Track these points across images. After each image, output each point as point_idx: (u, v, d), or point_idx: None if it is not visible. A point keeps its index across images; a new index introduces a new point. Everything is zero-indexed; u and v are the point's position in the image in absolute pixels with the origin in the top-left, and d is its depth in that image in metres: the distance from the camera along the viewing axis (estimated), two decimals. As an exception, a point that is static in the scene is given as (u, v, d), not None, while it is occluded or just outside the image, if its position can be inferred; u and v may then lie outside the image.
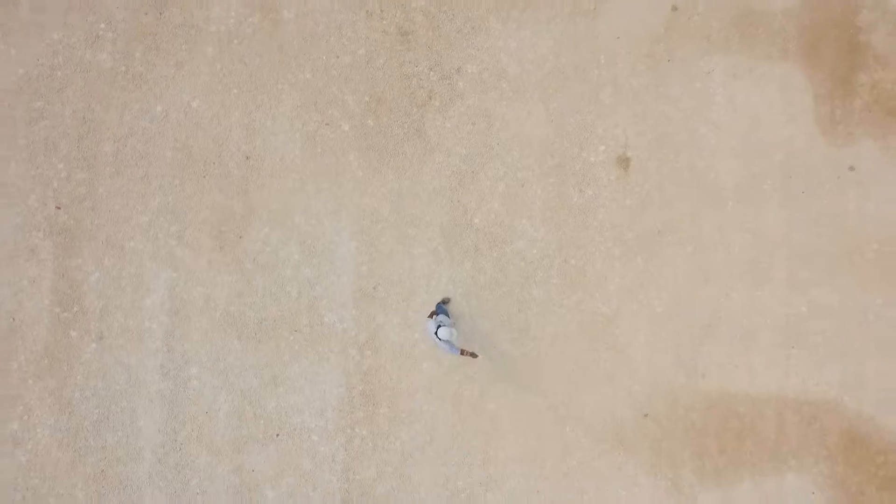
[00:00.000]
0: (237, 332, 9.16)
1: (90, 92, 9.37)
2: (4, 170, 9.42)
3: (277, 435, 9.11)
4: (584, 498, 8.82)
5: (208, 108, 9.26)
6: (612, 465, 8.80)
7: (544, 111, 8.84)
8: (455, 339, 7.68)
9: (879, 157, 8.64)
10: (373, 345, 8.98)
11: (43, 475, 9.35)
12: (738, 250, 8.76)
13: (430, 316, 8.37)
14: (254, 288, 9.16)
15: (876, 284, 8.59)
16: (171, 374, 9.27)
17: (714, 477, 8.76)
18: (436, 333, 7.74)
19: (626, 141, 8.81)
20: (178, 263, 9.28)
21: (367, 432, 8.98)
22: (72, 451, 9.36)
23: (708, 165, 8.79)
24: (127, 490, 9.32)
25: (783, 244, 8.71)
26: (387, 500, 8.96)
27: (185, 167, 9.27)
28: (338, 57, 9.09)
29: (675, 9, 8.85)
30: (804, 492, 8.65)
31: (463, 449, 8.92)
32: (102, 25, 9.38)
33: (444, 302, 8.67)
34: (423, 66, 8.97)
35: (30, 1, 9.33)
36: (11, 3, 9.29)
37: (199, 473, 9.24)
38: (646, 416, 8.79)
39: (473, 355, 8.11)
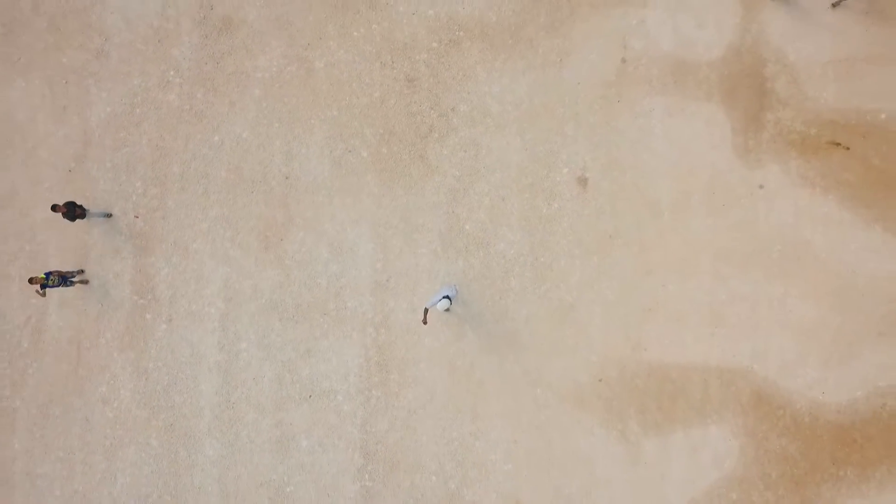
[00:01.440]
0: (278, 314, 11.55)
1: (162, 125, 11.79)
2: (95, 186, 11.85)
3: (310, 396, 11.50)
4: (552, 445, 11.17)
5: (255, 138, 11.65)
6: (573, 419, 11.15)
7: (520, 141, 11.20)
8: (441, 304, 9.58)
9: (782, 178, 10.97)
10: (386, 325, 11.36)
11: (125, 428, 11.78)
12: (673, 250, 11.08)
13: (425, 319, 10.38)
14: (291, 280, 11.55)
15: (779, 278, 10.91)
16: (226, 348, 11.67)
17: (654, 428, 11.08)
18: (436, 305, 9.84)
19: (584, 164, 11.16)
20: (231, 261, 11.68)
21: (381, 393, 11.36)
22: (147, 409, 11.79)
23: (649, 184, 11.11)
24: (190, 440, 11.73)
25: (708, 246, 11.03)
26: (397, 448, 11.34)
27: (237, 185, 11.67)
28: (358, 98, 11.48)
29: (623, 61, 11.20)
30: (723, 439, 10.97)
31: (456, 407, 11.28)
32: (172, 73, 11.80)
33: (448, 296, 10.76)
34: (425, 106, 11.35)
35: (117, 53, 11.76)
36: (104, 56, 11.73)
37: (248, 427, 11.64)
38: (600, 380, 11.13)
39: (424, 322, 10.16)
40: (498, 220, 11.20)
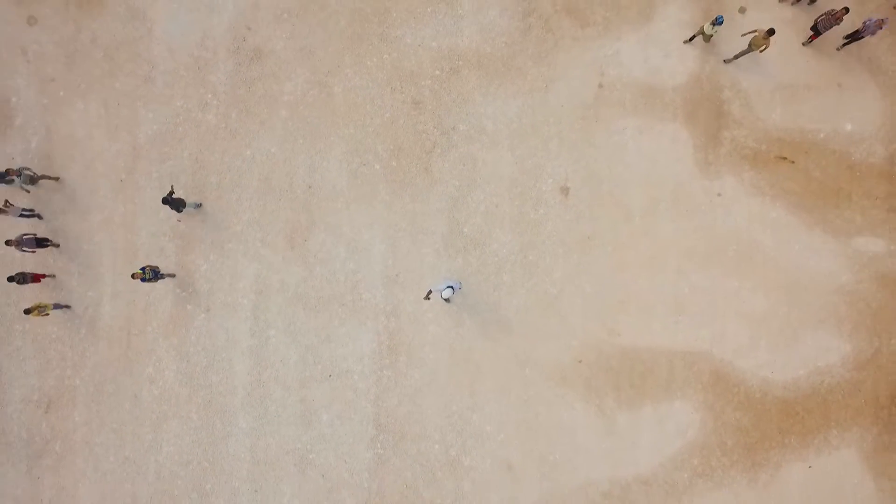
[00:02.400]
0: (302, 305, 13.30)
1: (201, 141, 13.54)
2: (142, 195, 13.59)
3: (330, 376, 13.24)
4: (538, 418, 12.90)
5: (282, 152, 13.39)
6: (557, 395, 12.88)
7: (511, 156, 12.93)
8: (445, 293, 11.08)
9: (737, 187, 12.70)
10: (395, 314, 13.10)
11: (169, 403, 13.52)
12: (642, 250, 12.80)
13: (427, 296, 12.11)
14: (314, 275, 13.29)
15: (734, 273, 12.63)
16: (256, 334, 13.41)
17: (626, 403, 12.80)
18: (440, 292, 11.45)
19: (566, 176, 12.89)
20: (261, 259, 13.41)
21: (391, 373, 13.10)
22: (188, 387, 13.53)
23: (622, 192, 12.85)
24: (225, 414, 13.46)
25: (673, 246, 12.74)
26: (405, 420, 13.07)
27: (266, 193, 13.41)
28: (371, 118, 13.22)
29: (601, 86, 12.93)
30: (686, 412, 12.69)
31: (456, 385, 13.01)
32: (209, 96, 13.55)
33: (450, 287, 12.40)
34: (429, 125, 13.09)
35: (162, 79, 13.52)
36: (151, 81, 13.48)
37: (276, 402, 13.37)
38: (580, 362, 12.86)
39: (426, 298, 11.83)
40: (492, 223, 12.95)
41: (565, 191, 12.86)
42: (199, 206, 13.16)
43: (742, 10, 12.64)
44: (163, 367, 13.53)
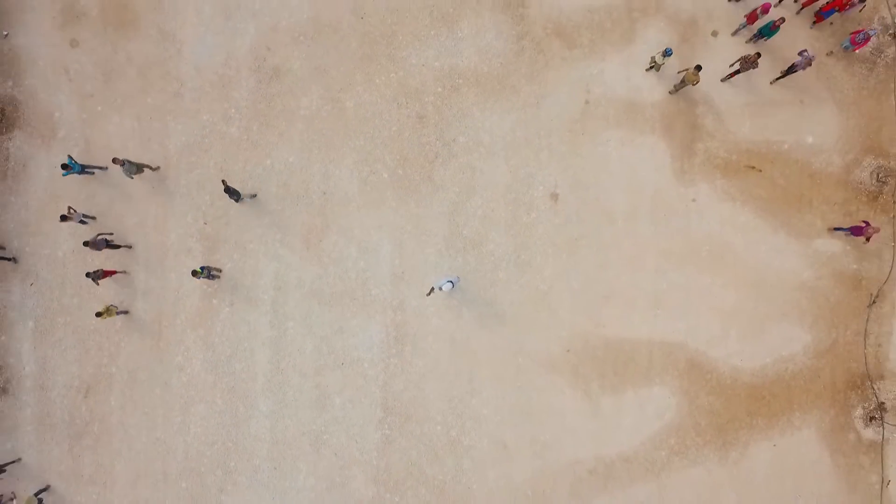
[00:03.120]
0: (318, 300, 14.68)
1: (225, 151, 14.93)
2: (171, 200, 14.99)
3: (342, 364, 14.63)
4: (531, 402, 14.26)
5: (299, 161, 14.77)
6: (547, 381, 14.24)
7: (506, 165, 14.31)
8: (445, 287, 12.74)
9: (711, 194, 14.05)
10: (401, 308, 14.48)
11: (196, 389, 14.92)
12: (624, 250, 14.15)
13: (430, 293, 13.55)
14: (328, 273, 14.68)
15: (707, 271, 13.98)
16: (276, 326, 14.80)
17: (610, 388, 14.16)
18: (441, 287, 12.96)
19: (555, 183, 14.26)
20: (280, 258, 14.80)
21: (398, 361, 14.49)
22: (213, 374, 14.92)
23: (606, 198, 14.20)
24: (247, 399, 14.85)
25: (652, 246, 14.09)
26: (410, 404, 14.44)
27: (285, 198, 14.79)
28: (379, 131, 14.60)
29: (587, 102, 14.29)
30: (664, 397, 14.06)
31: (456, 372, 14.37)
32: (233, 110, 14.95)
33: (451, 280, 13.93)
34: (432, 137, 14.48)
35: (190, 95, 14.92)
36: (179, 97, 14.88)
37: (293, 388, 14.75)
38: (568, 351, 14.22)
39: (428, 294, 13.37)
40: (488, 226, 14.33)
41: (555, 197, 14.24)
42: (254, 196, 14.48)
43: (714, 34, 14.00)
44: (190, 356, 14.94)
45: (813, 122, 13.83)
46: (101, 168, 14.59)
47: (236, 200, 13.74)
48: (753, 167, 14.00)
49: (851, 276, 13.78)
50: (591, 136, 14.24)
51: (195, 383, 14.93)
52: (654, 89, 14.10)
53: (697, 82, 12.94)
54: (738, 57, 13.33)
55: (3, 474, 14.63)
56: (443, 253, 14.39)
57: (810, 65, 12.71)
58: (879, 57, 13.72)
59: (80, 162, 14.45)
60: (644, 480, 14.08)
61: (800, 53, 12.70)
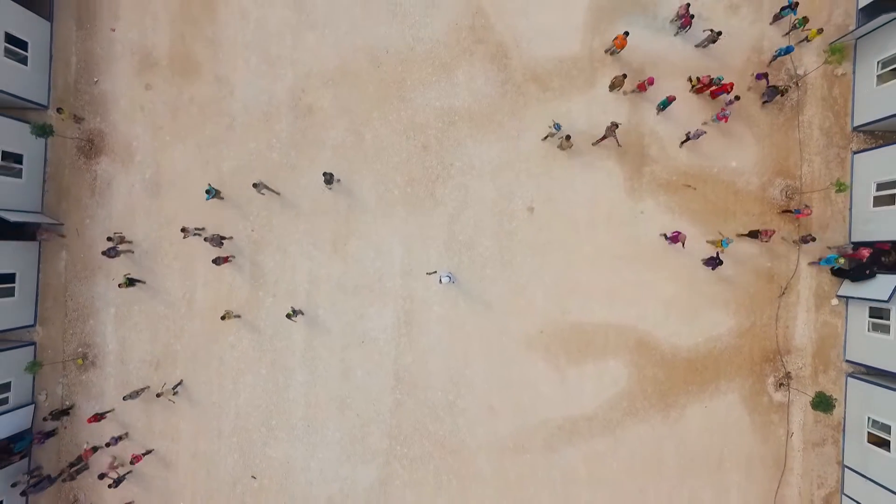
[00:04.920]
0: (343, 291, 18.37)
1: (267, 173, 18.61)
2: (224, 212, 18.66)
3: (363, 342, 18.31)
4: (512, 373, 17.89)
5: (328, 188, 18.45)
6: (525, 356, 17.87)
7: (492, 184, 17.96)
8: (444, 278, 16.56)
9: (655, 207, 17.66)
10: (410, 298, 18.15)
11: (245, 363, 18.63)
12: (586, 252, 17.77)
13: (432, 273, 17.29)
14: (351, 270, 18.36)
15: (652, 269, 17.58)
16: (309, 312, 18.50)
17: (575, 362, 17.79)
18: (440, 280, 16.74)
19: (532, 199, 17.90)
20: (313, 258, 18.47)
21: (407, 340, 18.17)
22: (259, 351, 18.63)
23: (572, 212, 17.83)
24: (286, 370, 18.54)
25: (608, 249, 17.69)
26: (416, 374, 18.11)
27: (316, 210, 18.47)
28: (392, 157, 18.27)
29: (562, 136, 17.94)
30: (618, 368, 17.67)
31: (453, 349, 18.05)
32: (274, 140, 18.65)
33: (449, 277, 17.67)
34: (434, 162, 18.15)
35: (240, 127, 18.63)
36: (231, 129, 18.60)
37: (323, 362, 18.46)
38: (541, 332, 17.86)
39: (430, 274, 17.21)
40: (479, 233, 17.98)
41: (531, 209, 17.89)
42: (339, 181, 18.03)
43: (650, 83, 17.61)
44: (241, 336, 18.66)
45: (736, 151, 17.43)
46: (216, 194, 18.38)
47: (328, 183, 17.38)
48: (689, 186, 17.60)
49: (765, 273, 17.40)
50: (560, 161, 17.88)
51: (244, 358, 18.65)
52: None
53: (613, 139, 16.87)
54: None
55: (103, 420, 18.37)
56: (442, 254, 18.05)
57: (702, 134, 16.67)
58: (787, 101, 17.34)
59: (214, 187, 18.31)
60: (602, 435, 17.73)
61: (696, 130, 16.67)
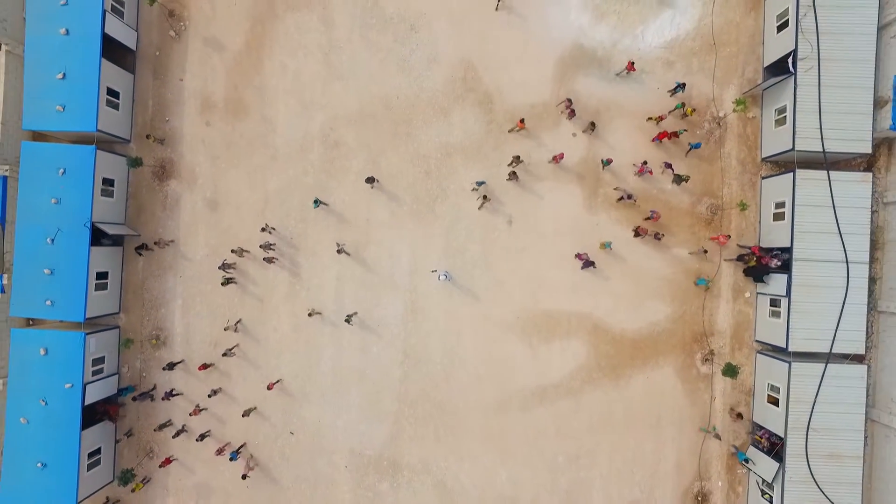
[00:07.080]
0: (364, 286, 23.25)
1: (304, 194, 23.47)
2: (268, 222, 23.64)
3: (378, 325, 23.19)
4: (494, 349, 22.73)
5: (351, 200, 23.32)
6: (506, 338, 22.71)
7: (479, 203, 22.82)
8: (442, 276, 21.47)
9: (608, 220, 22.45)
10: (415, 291, 23.02)
11: (285, 343, 23.56)
12: (553, 256, 22.58)
13: (434, 271, 22.16)
14: (369, 269, 23.24)
15: (605, 268, 22.41)
16: (337, 302, 23.37)
17: (544, 340, 22.60)
18: (439, 278, 21.63)
19: (510, 214, 22.70)
20: (340, 260, 23.36)
21: (413, 324, 23.05)
22: (296, 332, 23.56)
23: (543, 225, 22.64)
24: (317, 348, 23.39)
25: (570, 254, 22.55)
26: (420, 351, 22.97)
27: (342, 223, 23.36)
28: (401, 181, 23.05)
29: (530, 164, 22.77)
30: (578, 346, 22.49)
31: (449, 332, 22.90)
32: (309, 167, 23.53)
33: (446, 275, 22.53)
34: (434, 186, 23.01)
35: (281, 157, 23.57)
36: (273, 159, 23.58)
37: (346, 340, 23.27)
38: (518, 318, 22.68)
39: (433, 271, 22.11)
40: (469, 241, 22.85)
41: (510, 222, 22.75)
42: (378, 181, 22.77)
43: (593, 125, 22.45)
44: (281, 321, 23.64)
45: (671, 176, 22.23)
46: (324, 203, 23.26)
47: (371, 183, 22.22)
48: (635, 202, 22.40)
49: (695, 272, 22.19)
50: (532, 185, 22.73)
51: (284, 339, 23.61)
52: (572, 155, 22.57)
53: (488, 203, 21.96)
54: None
55: (172, 370, 23.33)
56: (441, 258, 22.94)
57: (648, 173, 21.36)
58: (712, 136, 22.12)
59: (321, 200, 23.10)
60: (566, 399, 22.57)
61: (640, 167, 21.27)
